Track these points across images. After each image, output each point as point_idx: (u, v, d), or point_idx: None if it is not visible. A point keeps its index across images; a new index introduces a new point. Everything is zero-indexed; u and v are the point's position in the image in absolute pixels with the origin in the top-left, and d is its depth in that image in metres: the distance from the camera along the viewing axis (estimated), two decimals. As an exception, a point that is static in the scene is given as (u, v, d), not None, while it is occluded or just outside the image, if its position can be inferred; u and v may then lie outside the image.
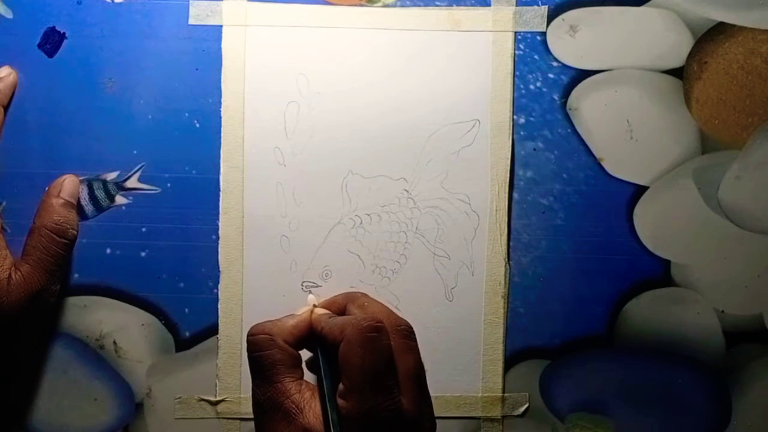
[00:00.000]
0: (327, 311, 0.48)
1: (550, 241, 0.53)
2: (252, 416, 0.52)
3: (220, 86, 0.52)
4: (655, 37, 0.53)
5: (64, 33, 0.51)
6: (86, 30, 0.52)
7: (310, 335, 0.46)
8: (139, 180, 0.52)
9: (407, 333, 0.45)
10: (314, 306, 0.49)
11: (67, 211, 0.50)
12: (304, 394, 0.43)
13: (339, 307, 0.49)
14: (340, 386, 0.42)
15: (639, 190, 0.53)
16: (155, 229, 0.52)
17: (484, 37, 0.53)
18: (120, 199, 0.52)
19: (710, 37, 0.53)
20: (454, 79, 0.53)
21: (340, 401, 0.42)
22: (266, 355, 0.44)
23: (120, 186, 0.52)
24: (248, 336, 0.45)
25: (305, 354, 0.47)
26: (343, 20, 0.52)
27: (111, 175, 0.52)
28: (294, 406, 0.43)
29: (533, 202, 0.53)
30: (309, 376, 0.46)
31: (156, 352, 0.52)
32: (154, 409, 0.52)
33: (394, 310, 0.51)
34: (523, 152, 0.53)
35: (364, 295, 0.49)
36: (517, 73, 0.53)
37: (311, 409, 0.43)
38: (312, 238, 0.52)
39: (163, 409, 0.52)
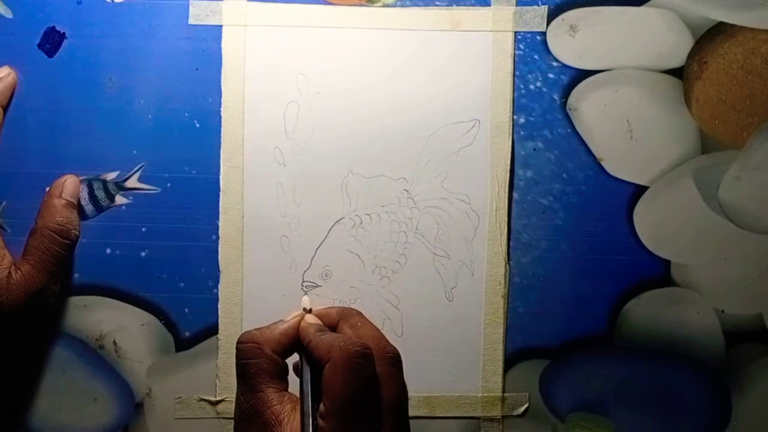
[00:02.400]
0: (317, 322, 0.48)
1: (550, 241, 0.53)
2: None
3: (220, 86, 0.52)
4: (655, 37, 0.53)
5: (64, 33, 0.51)
6: (86, 30, 0.52)
7: (299, 341, 0.46)
8: (139, 180, 0.52)
9: (394, 361, 0.45)
10: (305, 311, 0.49)
11: (69, 212, 0.50)
12: (285, 405, 0.44)
13: (331, 320, 0.49)
14: (321, 406, 0.42)
15: (639, 190, 0.53)
16: (155, 229, 0.52)
17: (484, 37, 0.53)
18: (120, 199, 0.52)
19: (710, 37, 0.53)
20: (454, 79, 0.53)
21: (319, 421, 0.42)
22: (252, 363, 0.45)
23: (120, 186, 0.52)
24: (237, 343, 0.46)
25: (293, 357, 0.47)
26: (343, 20, 0.52)
27: (111, 175, 0.52)
28: (274, 417, 0.43)
29: (533, 202, 0.53)
30: (293, 380, 0.46)
31: (156, 352, 0.52)
32: (154, 409, 0.52)
33: (394, 312, 0.51)
34: (523, 152, 0.53)
35: (359, 314, 0.49)
36: (517, 73, 0.53)
37: (289, 423, 0.43)
38: (312, 238, 0.52)
39: (163, 409, 0.52)
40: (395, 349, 0.46)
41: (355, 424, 0.42)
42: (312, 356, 0.45)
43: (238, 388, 0.45)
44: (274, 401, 0.44)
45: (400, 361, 0.45)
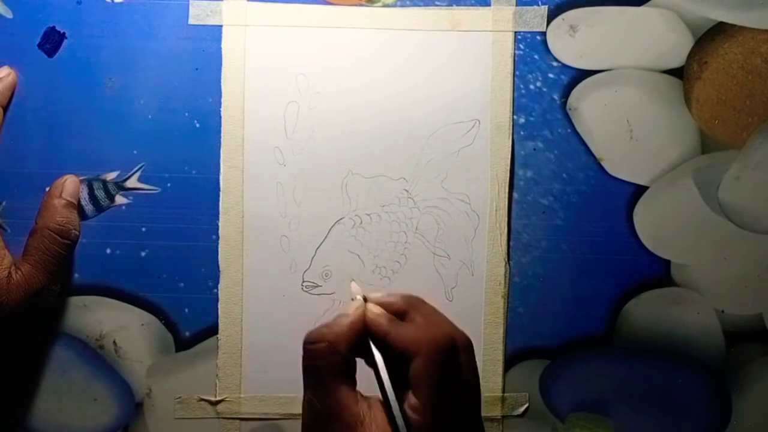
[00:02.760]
0: (383, 311, 0.45)
1: (550, 241, 0.53)
2: (251, 417, 0.52)
3: (220, 86, 0.52)
4: (655, 37, 0.53)
5: (64, 33, 0.51)
6: (86, 30, 0.52)
7: (365, 333, 0.45)
8: (139, 180, 0.52)
9: (471, 349, 0.45)
10: (364, 299, 0.46)
11: (69, 212, 0.50)
12: (362, 404, 0.42)
13: (398, 309, 0.46)
14: (412, 399, 0.42)
15: (639, 190, 0.53)
16: (155, 229, 0.52)
17: (484, 37, 0.53)
18: (120, 199, 0.52)
19: (710, 37, 0.53)
20: (454, 79, 0.53)
21: (411, 414, 0.41)
22: (327, 365, 0.43)
23: (120, 186, 0.52)
24: (306, 344, 0.43)
25: None
26: (343, 20, 0.52)
27: (111, 175, 0.52)
28: (354, 418, 0.42)
29: (533, 202, 0.53)
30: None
31: (156, 352, 0.52)
32: (154, 409, 0.52)
33: None
34: (523, 152, 0.53)
35: (425, 302, 0.47)
36: (517, 73, 0.53)
37: (373, 420, 0.42)
38: (312, 238, 0.52)
39: (163, 409, 0.52)
40: (468, 337, 0.45)
41: (448, 414, 0.42)
42: (392, 349, 0.43)
43: (307, 389, 0.43)
44: (351, 401, 0.42)
45: (473, 348, 0.45)
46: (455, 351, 0.43)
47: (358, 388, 0.43)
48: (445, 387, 0.42)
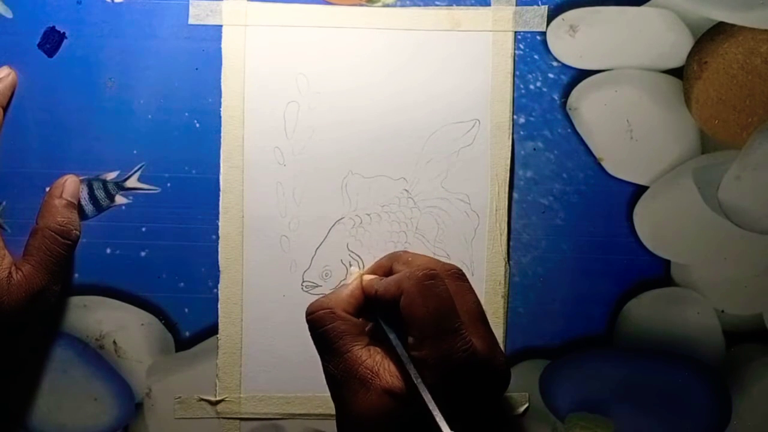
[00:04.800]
0: (375, 276, 0.48)
1: (550, 241, 0.53)
2: (251, 417, 0.52)
3: (220, 86, 0.52)
4: (655, 37, 0.53)
5: (64, 33, 0.51)
6: (86, 30, 0.52)
7: (366, 303, 0.47)
8: (139, 180, 0.52)
9: (459, 275, 0.46)
10: (361, 274, 0.49)
11: (69, 212, 0.50)
12: (375, 357, 0.44)
13: (384, 269, 0.49)
14: (410, 339, 0.43)
15: (639, 190, 0.53)
16: (155, 229, 0.52)
17: (484, 36, 0.53)
18: (120, 199, 0.52)
19: (710, 37, 0.53)
20: (454, 79, 0.53)
21: (414, 353, 0.42)
22: (330, 328, 0.45)
23: (120, 186, 0.52)
24: (307, 315, 0.46)
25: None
26: (343, 20, 0.52)
27: (111, 175, 0.52)
28: (368, 371, 0.43)
29: (533, 202, 0.53)
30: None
31: (156, 352, 0.52)
32: (154, 409, 0.52)
33: None
34: (523, 152, 0.53)
35: (406, 251, 0.50)
36: (517, 73, 0.53)
37: (386, 370, 0.43)
38: (312, 238, 0.52)
39: (163, 409, 0.52)
40: (455, 265, 0.46)
41: (446, 341, 0.42)
42: (384, 300, 0.45)
43: (322, 360, 0.45)
44: (363, 357, 0.44)
45: (465, 275, 0.46)
46: (436, 278, 0.44)
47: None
48: (434, 315, 0.42)
